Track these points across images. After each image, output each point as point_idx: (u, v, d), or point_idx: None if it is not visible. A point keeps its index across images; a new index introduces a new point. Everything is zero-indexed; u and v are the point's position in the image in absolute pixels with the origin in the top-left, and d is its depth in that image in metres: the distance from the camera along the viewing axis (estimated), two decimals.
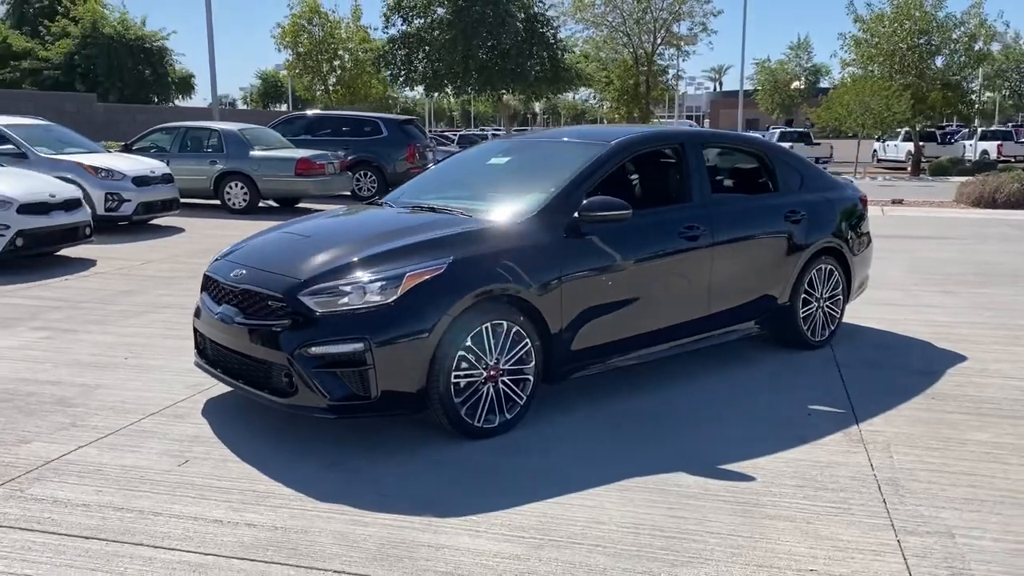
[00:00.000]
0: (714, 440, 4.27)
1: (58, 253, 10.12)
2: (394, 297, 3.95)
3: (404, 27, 26.78)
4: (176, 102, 47.27)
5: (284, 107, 60.25)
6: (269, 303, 4.09)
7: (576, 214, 4.55)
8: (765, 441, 4.24)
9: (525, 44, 26.08)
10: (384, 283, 3.98)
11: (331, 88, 41.03)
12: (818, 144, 34.44)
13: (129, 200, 12.26)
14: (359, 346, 3.87)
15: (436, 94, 30.86)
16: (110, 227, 12.10)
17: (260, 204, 15.28)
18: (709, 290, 5.21)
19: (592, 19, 40.02)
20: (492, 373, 4.20)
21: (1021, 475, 3.85)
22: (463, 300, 4.04)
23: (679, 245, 5.03)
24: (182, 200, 13.58)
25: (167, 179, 13.09)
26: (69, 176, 11.91)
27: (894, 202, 17.91)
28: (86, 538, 3.20)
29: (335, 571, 2.97)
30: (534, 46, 26.75)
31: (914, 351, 6.02)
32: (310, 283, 4.02)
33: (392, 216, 5.06)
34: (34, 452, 4.04)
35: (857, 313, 7.05)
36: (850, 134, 31.18)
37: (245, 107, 71.55)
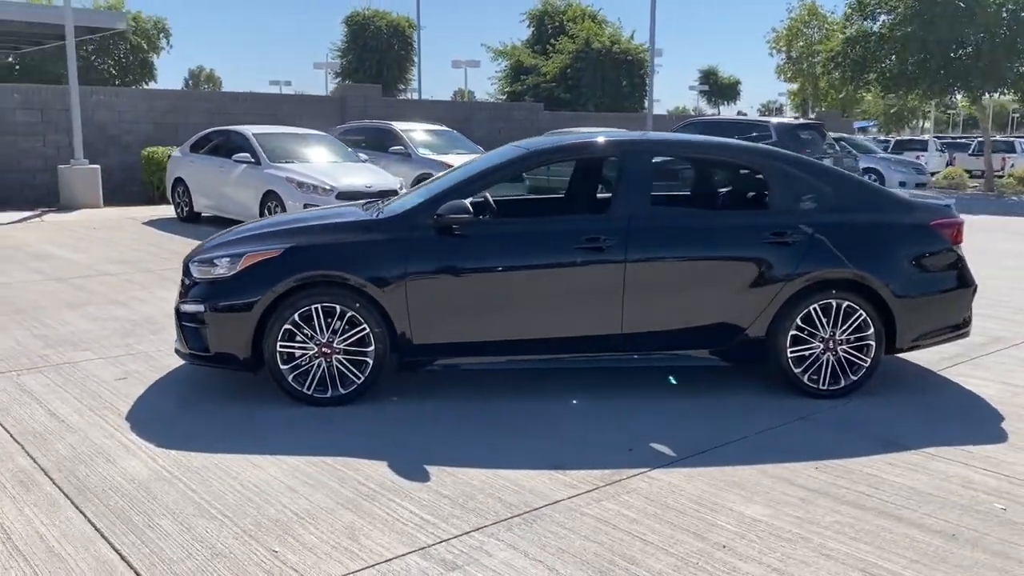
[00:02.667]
0: (482, 449, 4.25)
1: None
2: (233, 272, 4.81)
3: (869, 25, 24.94)
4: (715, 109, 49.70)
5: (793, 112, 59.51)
6: (185, 268, 5.26)
7: (436, 216, 4.83)
8: (520, 458, 4.11)
9: (1008, 37, 22.35)
10: (230, 260, 4.86)
11: (820, 92, 39.78)
12: None
13: None
14: (200, 308, 4.84)
15: (895, 95, 28.02)
16: None
17: None
18: (623, 308, 4.91)
19: None
20: (325, 350, 4.78)
21: (648, 550, 3.23)
22: (288, 281, 4.71)
23: (574, 257, 4.87)
24: None
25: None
26: (434, 172, 14.47)
27: None
28: None
29: (32, 458, 4.05)
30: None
31: (943, 421, 4.75)
32: (196, 255, 5.08)
33: (335, 208, 5.82)
34: (72, 356, 5.80)
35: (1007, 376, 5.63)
36: None
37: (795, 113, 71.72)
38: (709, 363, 5.08)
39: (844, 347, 5.04)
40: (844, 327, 5.02)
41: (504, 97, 37.00)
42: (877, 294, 5.01)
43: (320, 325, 4.76)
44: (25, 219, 13.88)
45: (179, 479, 3.84)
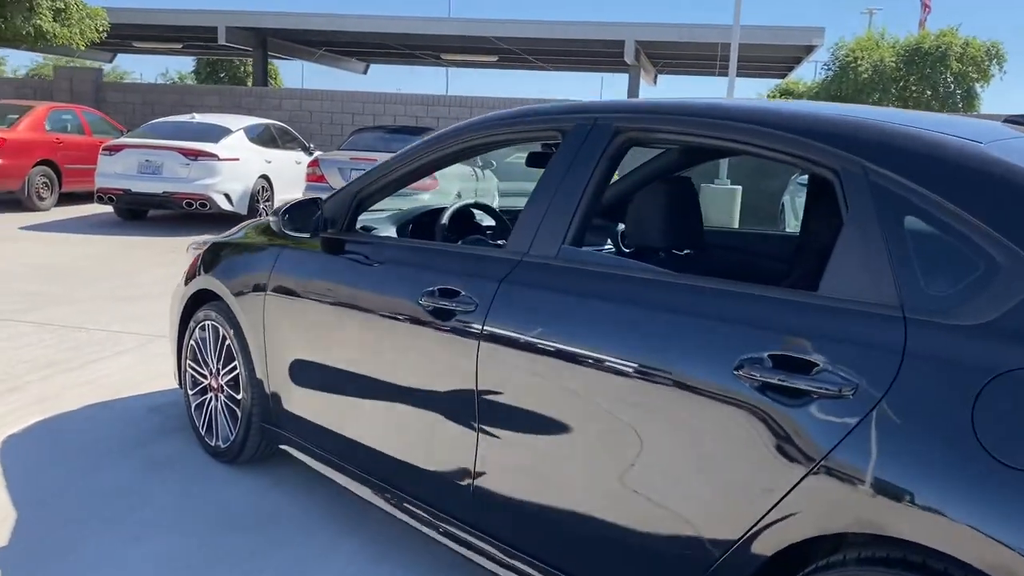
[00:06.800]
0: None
1: None
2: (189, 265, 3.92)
3: None
4: None
5: None
6: None
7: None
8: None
9: None
10: (194, 250, 3.97)
11: None
12: None
13: None
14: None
15: None
16: None
17: None
18: (477, 432, 2.35)
19: None
20: (213, 385, 3.58)
21: None
22: (195, 284, 3.65)
23: (416, 314, 2.52)
24: None
25: None
26: None
27: None
28: None
29: None
30: None
31: None
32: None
33: None
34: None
35: None
36: None
37: None
38: None
39: None
40: None
41: None
42: None
43: (209, 350, 3.57)
44: None
45: None
